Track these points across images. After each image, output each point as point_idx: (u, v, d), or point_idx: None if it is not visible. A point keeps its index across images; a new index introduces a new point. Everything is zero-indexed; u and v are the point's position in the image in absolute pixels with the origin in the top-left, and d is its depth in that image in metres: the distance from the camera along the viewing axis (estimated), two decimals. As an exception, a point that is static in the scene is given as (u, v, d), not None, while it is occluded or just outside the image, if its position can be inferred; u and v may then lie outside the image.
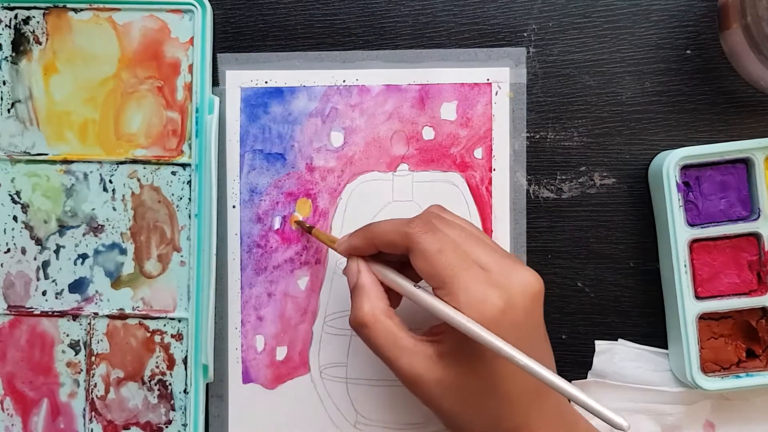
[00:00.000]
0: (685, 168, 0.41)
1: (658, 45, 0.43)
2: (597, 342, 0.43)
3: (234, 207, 0.44)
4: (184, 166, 0.43)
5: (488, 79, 0.43)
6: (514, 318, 0.34)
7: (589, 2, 0.43)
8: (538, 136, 0.44)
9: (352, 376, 0.43)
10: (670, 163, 0.40)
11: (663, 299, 0.43)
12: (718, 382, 0.40)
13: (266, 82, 0.44)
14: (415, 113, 0.44)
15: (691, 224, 0.41)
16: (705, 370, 0.41)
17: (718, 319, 0.42)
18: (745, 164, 0.42)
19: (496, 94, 0.43)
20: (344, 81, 0.44)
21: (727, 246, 0.41)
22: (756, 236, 0.41)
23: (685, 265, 0.41)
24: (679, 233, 0.41)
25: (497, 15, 0.43)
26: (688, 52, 0.43)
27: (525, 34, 0.43)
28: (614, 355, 0.43)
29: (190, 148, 0.43)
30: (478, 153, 0.44)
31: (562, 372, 0.43)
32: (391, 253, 0.37)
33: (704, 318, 0.41)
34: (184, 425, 0.43)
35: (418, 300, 0.36)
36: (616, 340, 0.43)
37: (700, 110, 0.43)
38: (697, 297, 0.41)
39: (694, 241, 0.41)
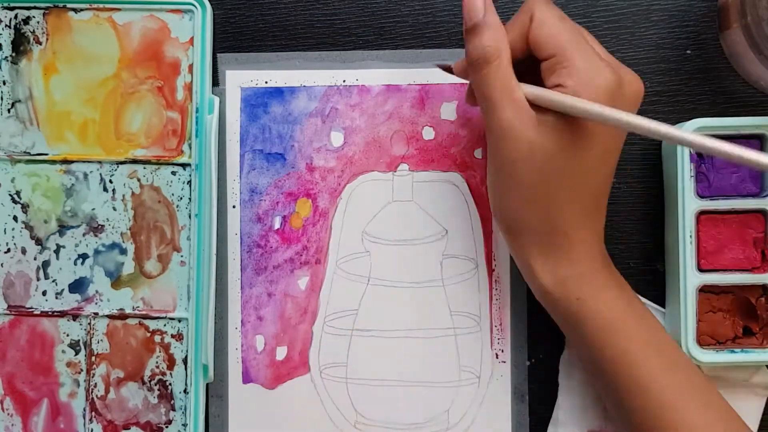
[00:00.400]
0: None
1: (658, 45, 0.43)
2: None
3: (234, 207, 0.44)
4: (184, 166, 0.43)
5: (488, 79, 0.43)
6: (622, 102, 0.35)
7: (589, 2, 0.43)
8: (538, 136, 0.43)
9: (352, 376, 0.43)
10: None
11: (663, 299, 0.43)
12: (712, 356, 0.40)
13: (266, 82, 0.44)
14: (415, 113, 0.44)
15: (701, 196, 0.41)
16: (701, 342, 0.41)
17: (718, 294, 0.42)
18: (759, 140, 0.42)
19: (496, 94, 0.43)
20: (344, 81, 0.44)
21: (734, 221, 0.41)
22: (764, 213, 0.41)
23: (690, 236, 0.40)
24: (687, 203, 0.41)
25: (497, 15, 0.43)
26: (688, 52, 0.43)
27: (525, 34, 0.43)
28: None
29: (190, 148, 0.43)
30: (478, 153, 0.44)
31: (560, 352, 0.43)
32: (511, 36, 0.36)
33: (704, 291, 0.41)
34: (184, 425, 0.43)
35: (554, 102, 0.35)
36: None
37: (700, 110, 0.43)
38: (700, 269, 0.41)
39: (702, 213, 0.41)
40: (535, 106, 0.35)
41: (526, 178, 0.35)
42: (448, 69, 0.40)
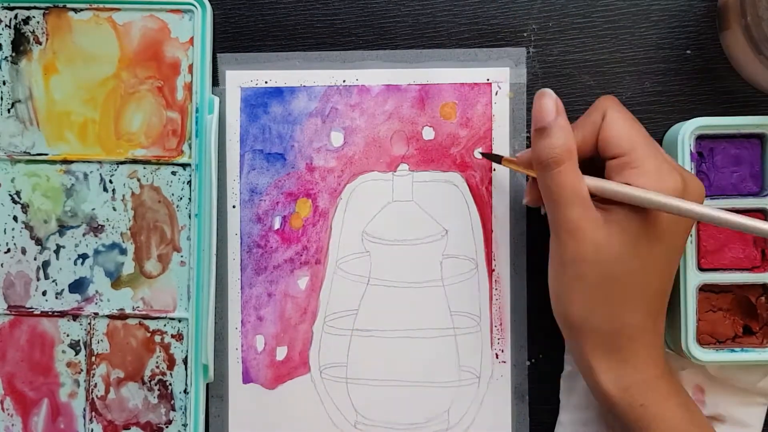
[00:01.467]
0: (700, 138, 0.41)
1: (658, 45, 0.43)
2: None
3: (234, 207, 0.44)
4: (184, 166, 0.43)
5: (488, 79, 0.44)
6: None
7: (589, 2, 0.43)
8: (538, 136, 0.44)
9: (352, 376, 0.43)
10: (686, 132, 0.40)
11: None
12: (712, 354, 0.40)
13: (266, 82, 0.44)
14: (415, 113, 0.44)
15: None
16: (701, 341, 0.41)
17: (718, 293, 0.42)
18: (760, 140, 0.42)
19: (496, 94, 0.43)
20: (344, 81, 0.44)
21: None
22: (764, 213, 0.41)
23: (691, 234, 0.41)
24: None
25: (497, 15, 0.43)
26: (688, 52, 0.43)
27: (525, 34, 0.43)
28: None
29: (190, 148, 0.43)
30: (478, 153, 0.44)
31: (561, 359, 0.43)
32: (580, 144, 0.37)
33: (704, 290, 0.41)
34: (184, 425, 0.43)
35: (601, 186, 0.36)
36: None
37: (700, 110, 0.43)
38: (700, 268, 0.41)
39: None
40: (600, 207, 0.36)
41: (592, 278, 0.35)
42: (496, 159, 0.41)
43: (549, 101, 0.37)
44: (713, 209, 0.35)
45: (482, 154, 0.43)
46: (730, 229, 0.41)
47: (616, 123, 0.36)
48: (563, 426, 0.43)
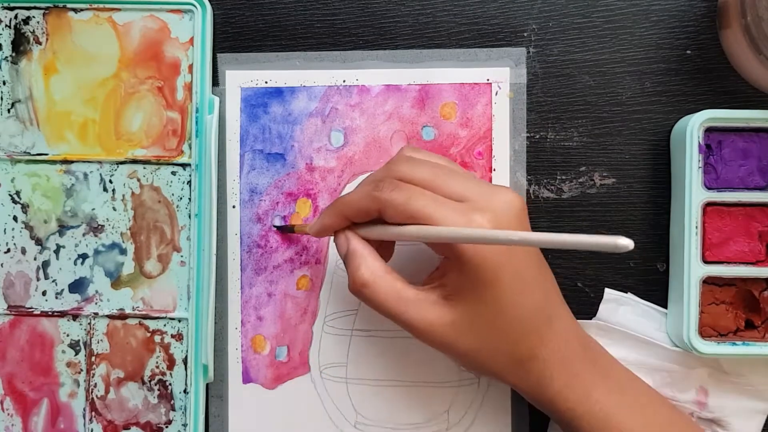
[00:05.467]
0: (709, 131, 0.41)
1: (658, 45, 0.43)
2: (607, 290, 0.43)
3: (234, 207, 0.44)
4: (184, 166, 0.43)
5: (488, 79, 0.44)
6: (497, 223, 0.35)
7: (589, 2, 0.43)
8: (538, 136, 0.44)
9: (352, 376, 0.43)
10: (695, 123, 0.40)
11: (663, 299, 0.43)
12: (713, 347, 0.40)
13: (266, 82, 0.44)
14: (415, 113, 0.44)
15: (708, 187, 0.41)
16: (702, 334, 0.41)
17: (721, 286, 0.42)
18: None
19: (496, 94, 0.43)
20: (344, 81, 0.44)
21: (741, 213, 0.42)
22: None
23: (696, 227, 0.41)
24: (694, 194, 0.41)
25: (497, 15, 0.43)
26: (688, 52, 0.43)
27: (525, 34, 0.43)
28: (621, 306, 0.43)
29: (190, 148, 0.43)
30: (478, 153, 0.44)
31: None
32: (362, 220, 0.37)
33: (708, 282, 0.41)
34: (184, 425, 0.43)
35: (412, 235, 0.35)
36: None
37: (701, 110, 0.43)
38: (704, 261, 0.41)
39: (708, 204, 0.41)
40: (431, 285, 0.36)
41: (470, 346, 0.36)
42: (289, 230, 0.43)
43: (340, 237, 0.38)
44: (519, 234, 0.32)
45: (275, 227, 0.44)
46: (733, 223, 0.41)
47: (394, 215, 0.36)
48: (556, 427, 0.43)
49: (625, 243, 0.28)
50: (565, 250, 0.43)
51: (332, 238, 0.40)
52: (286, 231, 0.43)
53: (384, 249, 0.39)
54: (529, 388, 0.37)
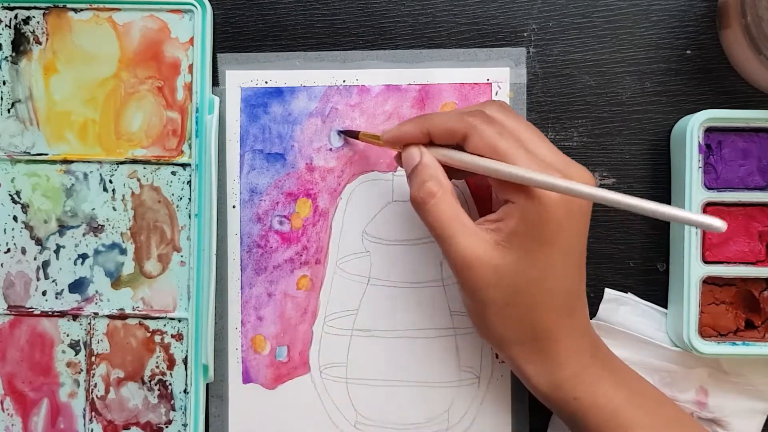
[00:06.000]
0: (709, 131, 0.41)
1: (658, 45, 0.43)
2: (607, 290, 0.43)
3: (234, 207, 0.44)
4: (184, 166, 0.43)
5: (488, 79, 0.44)
6: (571, 205, 0.35)
7: (589, 2, 0.43)
8: (538, 136, 0.44)
9: (352, 376, 0.43)
10: (695, 123, 0.41)
11: (663, 299, 0.43)
12: (713, 347, 0.41)
13: (266, 82, 0.44)
14: (415, 113, 0.44)
15: (708, 187, 0.41)
16: (702, 334, 0.41)
17: (721, 286, 0.42)
18: None
19: (496, 94, 0.43)
20: (344, 81, 0.44)
21: (741, 213, 0.42)
22: None
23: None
24: (695, 194, 0.41)
25: (497, 15, 0.44)
26: (688, 52, 0.43)
27: (525, 34, 0.43)
28: (621, 306, 0.43)
29: (190, 148, 0.43)
30: (336, 131, 0.44)
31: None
32: (441, 141, 0.37)
33: (708, 282, 0.41)
34: (184, 425, 0.43)
35: (497, 169, 0.35)
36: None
37: (700, 110, 0.43)
38: (705, 261, 0.41)
39: (708, 204, 0.41)
40: (487, 221, 0.36)
41: (499, 299, 0.36)
42: (353, 135, 0.42)
43: (413, 149, 0.38)
44: (597, 189, 0.33)
45: (339, 131, 0.43)
46: (733, 223, 0.41)
47: (479, 142, 0.36)
48: (555, 424, 0.43)
49: (719, 225, 0.30)
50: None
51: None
52: (349, 135, 0.43)
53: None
54: (536, 367, 0.37)
